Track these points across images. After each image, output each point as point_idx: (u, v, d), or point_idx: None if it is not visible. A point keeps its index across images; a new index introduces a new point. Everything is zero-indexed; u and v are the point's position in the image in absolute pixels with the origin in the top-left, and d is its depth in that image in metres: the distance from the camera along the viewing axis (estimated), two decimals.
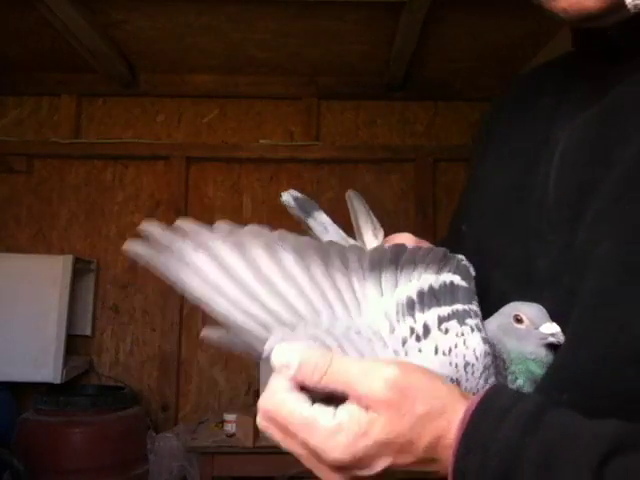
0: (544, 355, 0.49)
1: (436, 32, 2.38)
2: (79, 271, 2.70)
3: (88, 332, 2.84)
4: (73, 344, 2.76)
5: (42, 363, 2.48)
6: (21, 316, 2.50)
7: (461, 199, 0.78)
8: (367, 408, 0.42)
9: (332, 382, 0.43)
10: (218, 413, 2.69)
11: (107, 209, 2.95)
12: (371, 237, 0.59)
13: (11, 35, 2.48)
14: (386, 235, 0.61)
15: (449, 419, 0.41)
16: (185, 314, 2.91)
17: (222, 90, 2.93)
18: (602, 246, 0.46)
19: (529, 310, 0.50)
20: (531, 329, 0.49)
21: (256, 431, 2.34)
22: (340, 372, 0.43)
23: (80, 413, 2.33)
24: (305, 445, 0.42)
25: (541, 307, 0.50)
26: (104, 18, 2.28)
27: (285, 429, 0.43)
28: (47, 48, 2.62)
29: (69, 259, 2.58)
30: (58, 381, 2.49)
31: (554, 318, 0.50)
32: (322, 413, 0.42)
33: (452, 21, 2.28)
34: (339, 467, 0.42)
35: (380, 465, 0.42)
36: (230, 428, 2.35)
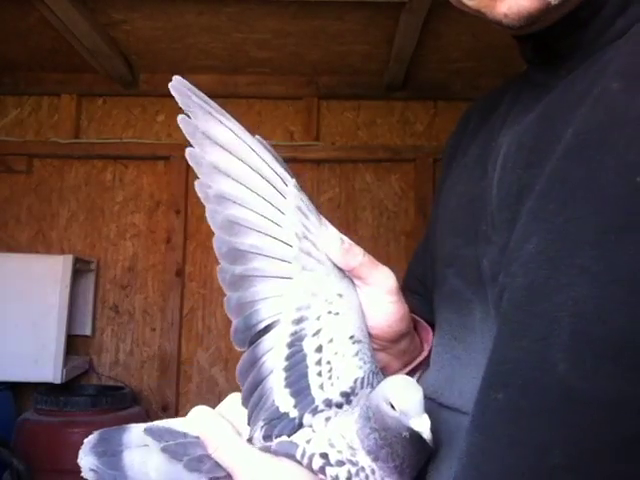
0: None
1: (436, 32, 2.38)
2: (79, 271, 2.71)
3: (88, 332, 2.84)
4: (73, 344, 2.76)
5: (42, 363, 2.48)
6: (21, 316, 2.50)
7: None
8: None
9: (220, 461, 0.51)
10: None
11: (107, 209, 2.96)
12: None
13: (11, 35, 2.48)
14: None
15: None
16: (185, 314, 2.91)
17: (222, 90, 2.92)
18: (530, 243, 0.48)
19: (404, 399, 0.49)
20: (402, 418, 0.49)
21: None
22: (225, 455, 0.51)
23: (80, 413, 2.33)
24: None
25: (419, 394, 0.50)
26: (104, 18, 2.28)
27: None
28: (47, 48, 2.62)
29: (69, 259, 2.58)
30: (58, 381, 2.49)
31: (494, 311, 0.52)
32: None
33: (452, 21, 2.28)
34: None
35: None
36: None
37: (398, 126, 3.03)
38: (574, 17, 0.53)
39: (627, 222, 0.43)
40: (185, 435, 0.52)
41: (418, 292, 0.75)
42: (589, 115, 0.48)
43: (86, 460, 0.53)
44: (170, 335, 2.86)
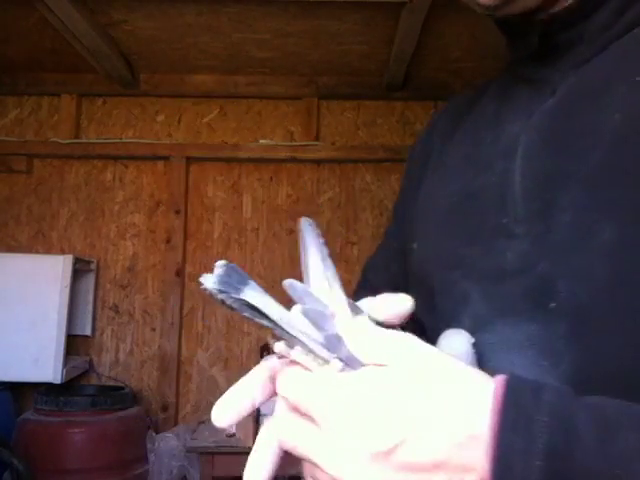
0: None
1: (436, 32, 2.38)
2: (79, 271, 2.71)
3: (88, 332, 2.84)
4: (73, 344, 2.76)
5: (42, 363, 2.48)
6: (21, 316, 2.50)
7: (396, 212, 0.78)
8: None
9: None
10: None
11: (107, 209, 2.96)
12: (324, 285, 0.46)
13: (11, 35, 2.48)
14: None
15: (477, 407, 0.37)
16: (185, 314, 2.91)
17: (222, 90, 2.93)
18: (605, 232, 0.46)
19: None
20: None
21: (256, 431, 2.34)
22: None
23: (80, 413, 2.33)
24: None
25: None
26: (104, 18, 2.28)
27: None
28: (47, 48, 2.62)
29: (69, 259, 2.58)
30: (58, 381, 2.49)
31: (525, 304, 0.50)
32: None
33: (452, 21, 2.28)
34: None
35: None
36: (230, 428, 2.35)
37: (398, 126, 3.03)
38: (577, 8, 0.53)
39: None
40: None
41: None
42: (635, 102, 0.48)
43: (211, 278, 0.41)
44: (170, 335, 2.86)
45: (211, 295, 0.40)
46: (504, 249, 0.53)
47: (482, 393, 0.37)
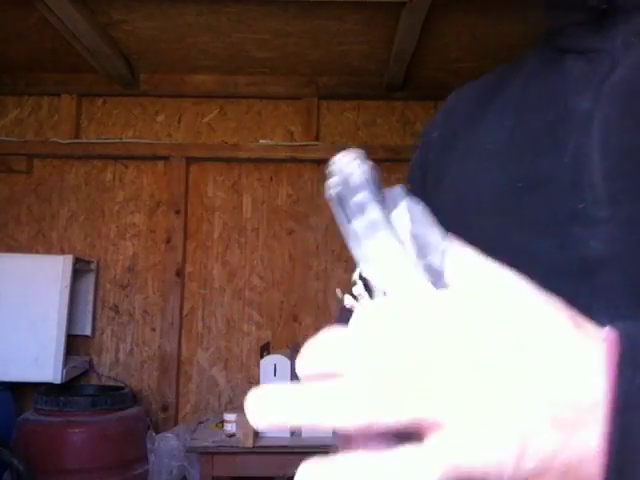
0: None
1: (436, 32, 2.38)
2: (79, 271, 2.71)
3: (88, 332, 2.85)
4: (73, 344, 2.76)
5: (42, 363, 2.48)
6: (21, 316, 2.50)
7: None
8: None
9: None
10: (218, 413, 2.69)
11: (107, 209, 2.96)
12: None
13: (11, 35, 2.48)
14: None
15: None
16: (185, 314, 2.91)
17: (222, 90, 2.93)
18: None
19: None
20: None
21: (256, 431, 2.34)
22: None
23: (80, 413, 2.33)
24: None
25: None
26: (104, 18, 2.28)
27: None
28: (47, 48, 2.62)
29: (69, 259, 2.58)
30: (58, 381, 2.49)
31: (622, 299, 0.44)
32: None
33: (452, 21, 2.28)
34: None
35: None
36: (230, 428, 2.35)
37: (398, 126, 3.03)
38: None
39: None
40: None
41: None
42: None
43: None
44: (170, 335, 2.86)
45: (330, 173, 0.37)
46: (586, 238, 0.47)
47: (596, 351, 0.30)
